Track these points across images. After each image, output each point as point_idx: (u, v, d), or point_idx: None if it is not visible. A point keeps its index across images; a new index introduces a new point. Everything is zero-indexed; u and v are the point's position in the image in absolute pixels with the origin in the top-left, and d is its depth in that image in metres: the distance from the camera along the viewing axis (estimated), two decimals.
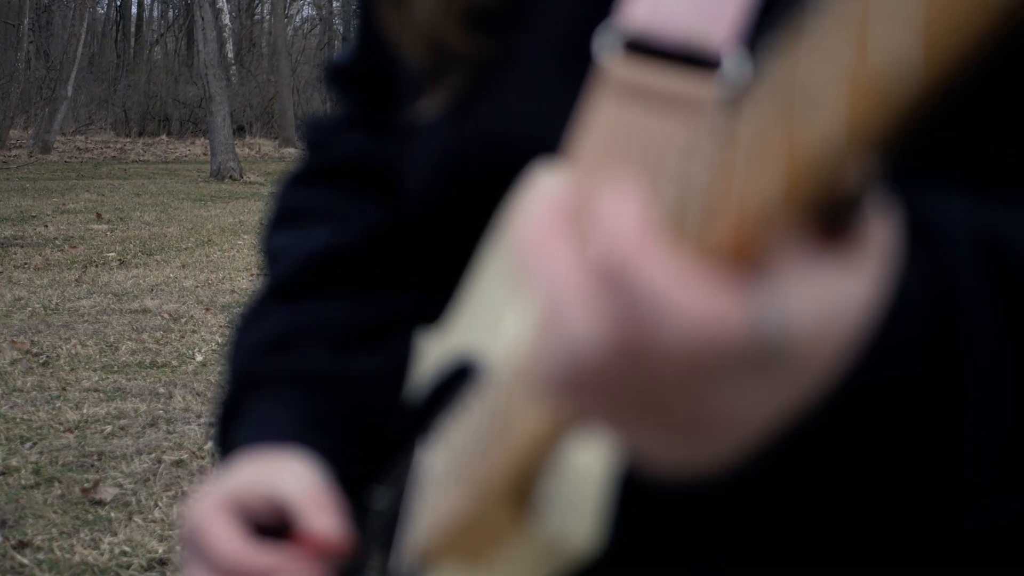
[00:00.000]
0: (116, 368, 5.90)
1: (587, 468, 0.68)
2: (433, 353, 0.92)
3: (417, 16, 0.86)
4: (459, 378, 0.82)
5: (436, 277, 0.93)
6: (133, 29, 33.77)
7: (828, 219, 0.42)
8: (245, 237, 10.46)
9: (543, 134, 0.79)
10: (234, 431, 0.97)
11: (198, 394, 5.44)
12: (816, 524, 0.70)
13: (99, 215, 11.95)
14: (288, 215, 1.10)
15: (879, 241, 0.44)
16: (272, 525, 0.88)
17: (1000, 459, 0.58)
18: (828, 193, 0.38)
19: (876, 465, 0.60)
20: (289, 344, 0.99)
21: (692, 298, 0.41)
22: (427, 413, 0.85)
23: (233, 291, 7.63)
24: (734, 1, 0.72)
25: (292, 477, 0.89)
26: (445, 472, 0.75)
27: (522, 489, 0.65)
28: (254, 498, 0.89)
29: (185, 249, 9.93)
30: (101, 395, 5.40)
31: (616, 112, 0.74)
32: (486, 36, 0.84)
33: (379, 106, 1.05)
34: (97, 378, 5.68)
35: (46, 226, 11.01)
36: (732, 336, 0.40)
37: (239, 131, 25.28)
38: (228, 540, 0.86)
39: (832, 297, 0.43)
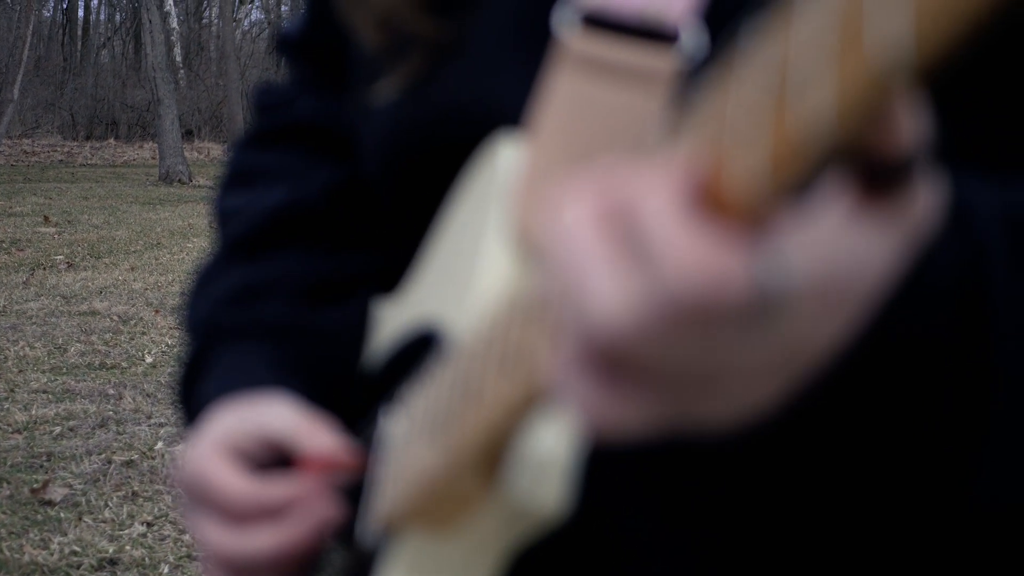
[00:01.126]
0: (65, 370, 5.85)
1: (556, 432, 0.69)
2: (391, 321, 0.92)
3: (373, 0, 0.87)
4: (420, 346, 0.83)
5: (393, 244, 0.93)
6: (80, 32, 33.44)
7: (867, 181, 0.43)
8: (195, 240, 10.39)
9: (500, 106, 0.79)
10: (202, 385, 0.96)
11: (148, 395, 5.40)
12: (815, 492, 0.69)
13: (47, 218, 11.82)
14: (241, 175, 1.09)
15: (919, 210, 0.45)
16: (270, 464, 0.86)
17: (1017, 433, 0.58)
18: (816, 168, 0.40)
19: (887, 434, 0.60)
20: (253, 296, 0.98)
21: (698, 250, 0.41)
22: (388, 381, 0.85)
23: (183, 293, 7.55)
24: None
25: (278, 414, 0.88)
26: (409, 440, 0.75)
27: (491, 455, 0.66)
28: (247, 439, 0.87)
29: (134, 252, 9.85)
30: (50, 396, 5.35)
31: (575, 85, 0.75)
32: (443, 19, 0.85)
33: (331, 74, 1.05)
34: (46, 380, 5.63)
35: None
36: (734, 287, 0.41)
37: (188, 135, 25.10)
38: (235, 482, 0.84)
39: (854, 255, 0.43)
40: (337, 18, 0.93)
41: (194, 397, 0.97)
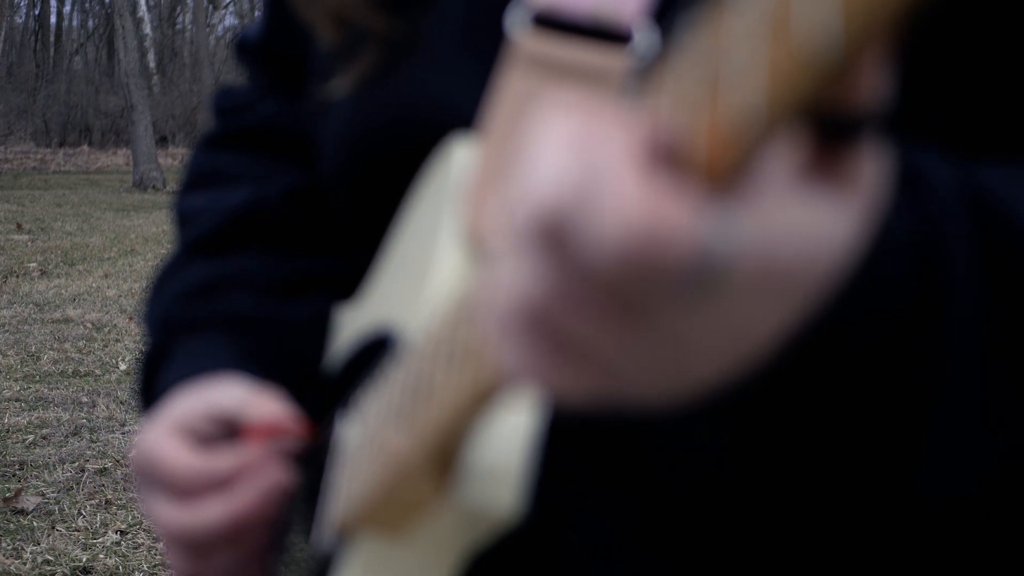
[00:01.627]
0: (38, 378, 5.82)
1: (509, 435, 0.69)
2: (349, 325, 0.92)
3: None
4: (376, 349, 0.82)
5: (351, 248, 0.93)
6: (52, 39, 33.36)
7: (818, 140, 0.41)
8: (169, 247, 10.35)
9: (453, 108, 0.79)
10: (162, 375, 0.96)
11: (122, 403, 5.38)
12: (767, 487, 0.67)
13: (19, 225, 11.78)
14: (202, 177, 1.09)
15: (869, 181, 0.43)
16: (222, 439, 0.87)
17: (963, 417, 0.56)
18: (753, 151, 0.39)
19: (839, 415, 0.57)
20: (214, 290, 0.99)
21: (646, 198, 0.38)
22: (345, 385, 0.85)
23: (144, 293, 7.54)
24: None
25: (228, 390, 0.89)
26: (363, 444, 0.75)
27: (444, 458, 0.66)
28: (197, 417, 0.87)
29: (108, 259, 9.82)
30: (22, 404, 5.33)
31: (528, 85, 0.75)
32: (394, 15, 0.85)
33: (290, 80, 1.05)
34: (18, 388, 5.60)
35: None
36: (677, 243, 0.39)
37: (162, 141, 25.05)
38: (181, 456, 0.85)
39: (801, 229, 0.41)
40: (294, 20, 0.93)
41: (153, 388, 0.97)
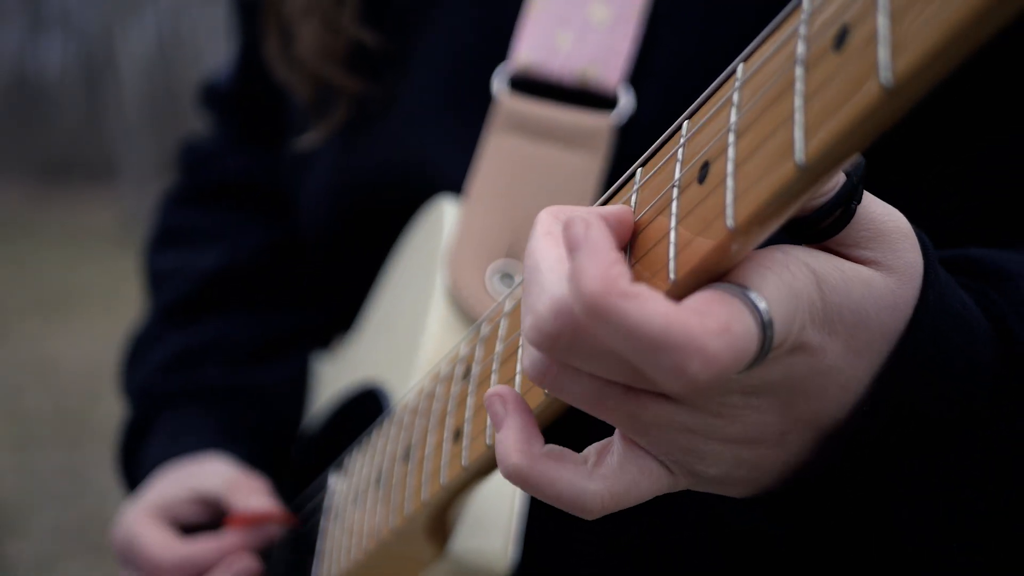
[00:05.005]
0: (27, 422, 5.80)
1: (501, 489, 0.70)
2: (331, 378, 0.93)
3: (300, 56, 0.88)
4: (362, 406, 0.83)
5: (328, 299, 0.95)
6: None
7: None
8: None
9: (435, 166, 0.80)
10: (143, 453, 0.97)
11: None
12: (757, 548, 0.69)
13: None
14: (171, 235, 1.10)
15: (903, 258, 0.47)
16: (202, 523, 0.88)
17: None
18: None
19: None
20: (191, 362, 0.99)
21: (696, 325, 0.40)
22: (330, 441, 0.86)
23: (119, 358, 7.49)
24: (624, 41, 0.75)
25: (213, 474, 0.89)
26: (357, 502, 0.75)
27: (439, 516, 0.66)
28: (179, 502, 0.88)
29: (99, 304, 9.78)
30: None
31: (513, 145, 0.77)
32: (368, 76, 0.86)
33: (260, 129, 1.07)
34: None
35: None
36: (747, 337, 0.41)
37: (152, 185, 24.93)
38: (161, 543, 0.86)
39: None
40: (269, 75, 0.94)
41: (135, 463, 0.98)
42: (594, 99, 0.76)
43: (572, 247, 0.41)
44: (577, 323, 0.41)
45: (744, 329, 0.40)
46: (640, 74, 0.75)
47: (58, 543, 4.23)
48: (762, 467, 0.48)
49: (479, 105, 0.78)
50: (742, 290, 0.42)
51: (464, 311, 0.74)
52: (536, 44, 0.77)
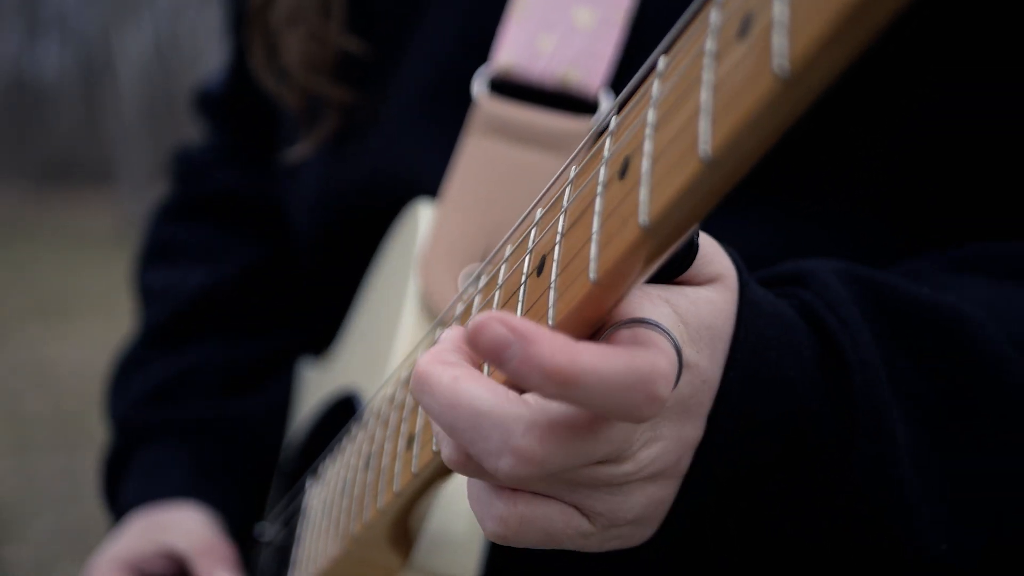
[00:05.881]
0: (26, 426, 5.81)
1: (467, 506, 0.68)
2: (316, 386, 0.93)
3: (287, 66, 0.88)
4: (340, 413, 0.83)
5: (318, 308, 0.94)
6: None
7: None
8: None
9: (417, 172, 0.80)
10: (122, 485, 0.98)
11: None
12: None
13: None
14: (161, 250, 1.10)
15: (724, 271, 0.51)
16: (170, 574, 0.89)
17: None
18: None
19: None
20: (172, 393, 0.99)
21: (648, 361, 0.41)
22: (311, 447, 0.86)
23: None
24: (607, 46, 0.74)
25: (183, 532, 0.90)
26: (326, 510, 0.75)
27: (404, 526, 0.66)
28: (147, 556, 0.89)
29: (99, 308, 9.79)
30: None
31: (490, 148, 0.76)
32: (354, 85, 0.86)
33: (252, 137, 1.06)
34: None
35: None
36: (674, 357, 0.44)
37: (150, 188, 24.98)
38: None
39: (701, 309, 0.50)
40: (259, 83, 0.94)
41: (114, 495, 0.99)
42: (575, 103, 0.75)
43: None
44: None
45: (671, 348, 0.44)
46: (622, 79, 0.74)
47: (57, 546, 4.24)
48: (667, 501, 0.51)
49: (461, 110, 0.78)
50: (644, 322, 0.45)
51: (436, 315, 0.74)
52: (518, 47, 0.76)
